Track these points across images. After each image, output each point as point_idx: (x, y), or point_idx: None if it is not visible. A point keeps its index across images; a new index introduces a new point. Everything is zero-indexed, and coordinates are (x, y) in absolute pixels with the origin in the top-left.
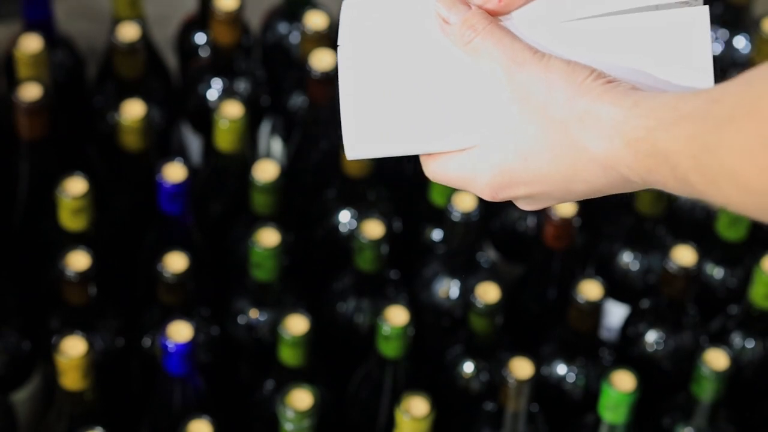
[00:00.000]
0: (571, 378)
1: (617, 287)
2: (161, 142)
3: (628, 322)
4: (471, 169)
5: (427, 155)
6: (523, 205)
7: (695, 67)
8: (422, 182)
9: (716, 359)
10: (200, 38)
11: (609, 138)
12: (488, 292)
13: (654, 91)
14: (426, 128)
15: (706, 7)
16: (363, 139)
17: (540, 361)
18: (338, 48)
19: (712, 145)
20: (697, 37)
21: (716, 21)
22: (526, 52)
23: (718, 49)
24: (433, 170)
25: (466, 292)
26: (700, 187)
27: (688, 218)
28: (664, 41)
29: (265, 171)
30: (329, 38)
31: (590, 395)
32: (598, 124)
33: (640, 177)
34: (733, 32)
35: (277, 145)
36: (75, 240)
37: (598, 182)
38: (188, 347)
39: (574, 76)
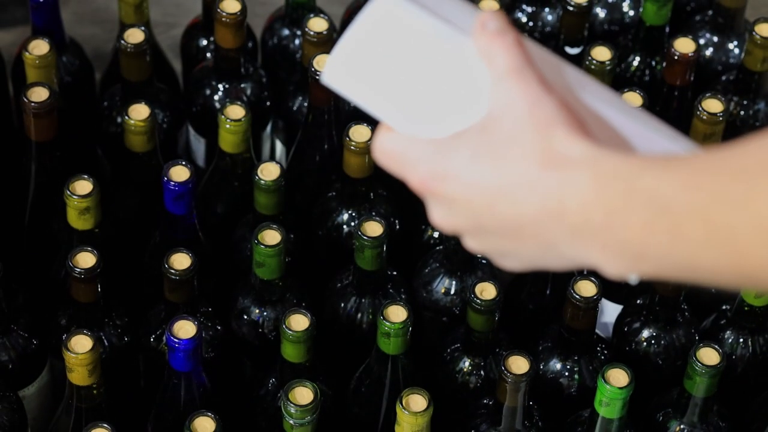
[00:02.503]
0: (567, 374)
1: (612, 285)
2: (167, 144)
3: (623, 319)
4: (416, 153)
5: (386, 125)
6: (439, 212)
7: None
8: None
9: (708, 356)
10: (205, 42)
11: (572, 167)
12: (486, 290)
13: None
14: (399, 101)
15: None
16: (345, 69)
17: (537, 357)
18: (368, 3)
19: (738, 198)
20: None
21: (709, 24)
22: (534, 72)
23: (710, 52)
24: (382, 140)
25: (465, 290)
26: (684, 245)
27: None
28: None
29: (268, 172)
30: (330, 42)
31: (586, 391)
32: (564, 155)
33: (586, 215)
34: (726, 36)
35: (279, 147)
36: (82, 239)
37: (528, 207)
38: (193, 344)
39: (562, 115)
